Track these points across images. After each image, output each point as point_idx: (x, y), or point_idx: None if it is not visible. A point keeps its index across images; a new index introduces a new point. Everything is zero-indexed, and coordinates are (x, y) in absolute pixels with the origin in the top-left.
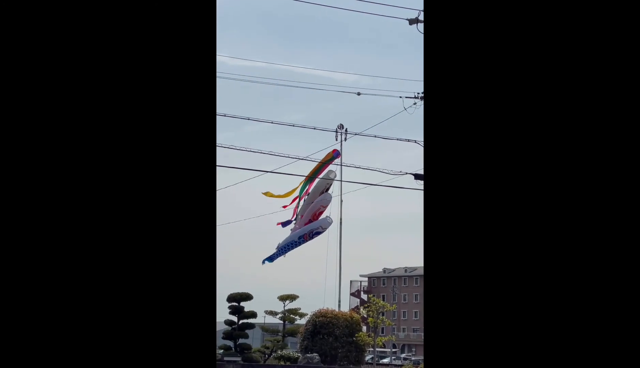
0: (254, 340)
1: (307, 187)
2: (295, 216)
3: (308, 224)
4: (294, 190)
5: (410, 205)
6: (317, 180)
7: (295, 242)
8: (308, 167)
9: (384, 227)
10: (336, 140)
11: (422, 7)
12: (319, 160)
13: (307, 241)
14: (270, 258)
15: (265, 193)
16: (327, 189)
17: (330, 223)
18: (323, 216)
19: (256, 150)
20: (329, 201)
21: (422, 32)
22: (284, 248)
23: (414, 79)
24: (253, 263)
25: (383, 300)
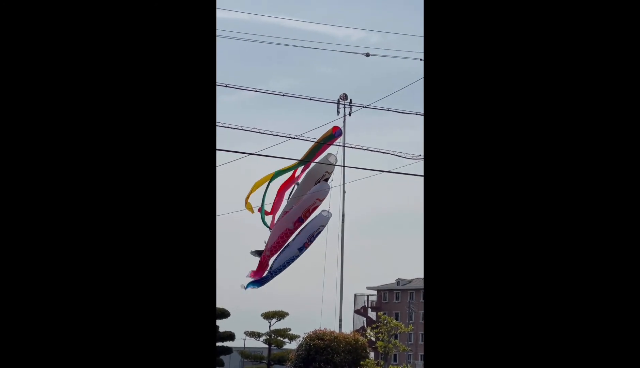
0: None
1: (294, 173)
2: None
3: (300, 227)
4: (263, 179)
5: None
6: (311, 165)
7: (296, 255)
8: (302, 148)
9: (398, 226)
10: (338, 114)
11: None
12: (316, 140)
13: (307, 249)
14: (260, 282)
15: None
16: (326, 178)
17: (328, 218)
18: (318, 211)
19: (235, 126)
20: (327, 193)
21: None
22: (282, 268)
23: None
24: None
25: (396, 319)
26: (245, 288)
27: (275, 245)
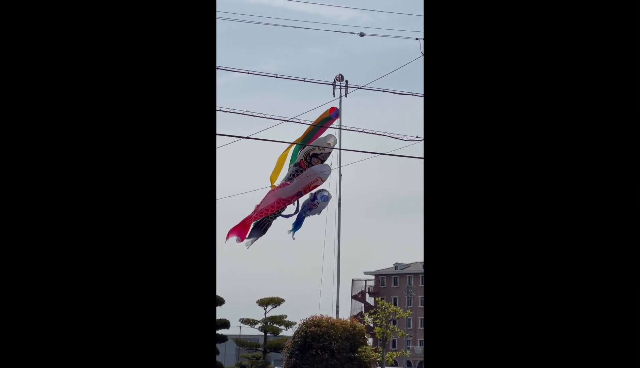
0: (227, 356)
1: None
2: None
3: (298, 199)
4: (277, 168)
5: None
6: (307, 147)
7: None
8: (297, 131)
9: (396, 209)
10: (334, 95)
11: None
12: (312, 122)
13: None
14: (298, 225)
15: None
16: (317, 154)
17: (328, 199)
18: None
19: (227, 109)
20: (328, 174)
21: None
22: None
23: None
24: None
25: (395, 304)
26: (294, 236)
27: (265, 210)
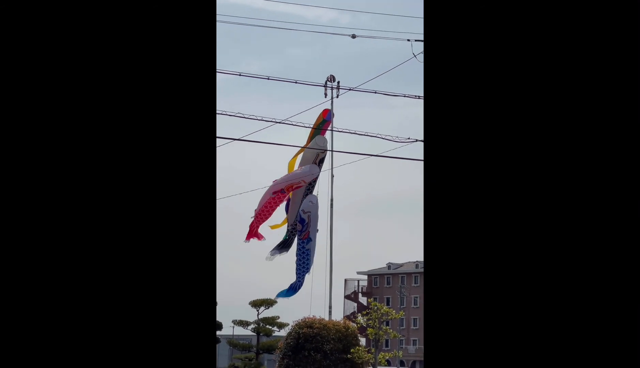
0: (220, 357)
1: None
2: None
3: (284, 199)
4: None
5: (422, 181)
6: (305, 150)
7: (307, 249)
8: (288, 133)
9: (388, 209)
10: (325, 96)
11: None
12: (304, 124)
13: (306, 233)
14: (293, 289)
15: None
16: (321, 159)
17: (315, 205)
18: (306, 199)
19: (219, 111)
20: (314, 175)
21: None
22: (305, 270)
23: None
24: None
25: (387, 304)
26: (277, 296)
27: (260, 212)
